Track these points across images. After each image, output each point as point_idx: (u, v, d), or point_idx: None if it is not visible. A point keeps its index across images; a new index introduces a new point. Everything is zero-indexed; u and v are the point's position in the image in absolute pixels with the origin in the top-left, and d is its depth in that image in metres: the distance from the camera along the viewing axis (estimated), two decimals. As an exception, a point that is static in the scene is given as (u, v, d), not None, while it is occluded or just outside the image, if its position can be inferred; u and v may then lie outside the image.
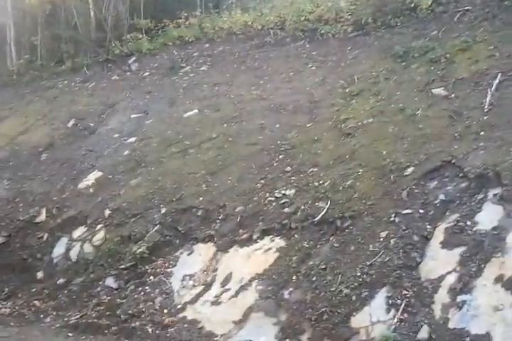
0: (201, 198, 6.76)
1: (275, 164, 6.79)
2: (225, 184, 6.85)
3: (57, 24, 14.36)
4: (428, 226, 4.85)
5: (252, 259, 5.55)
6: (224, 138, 7.85)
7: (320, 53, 9.47)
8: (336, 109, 7.47)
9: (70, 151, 9.41)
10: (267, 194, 6.29)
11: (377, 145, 6.22)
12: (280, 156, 6.90)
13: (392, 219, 5.07)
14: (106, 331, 5.49)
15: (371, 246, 4.86)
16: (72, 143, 9.72)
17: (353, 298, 4.44)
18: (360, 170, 5.93)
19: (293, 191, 6.15)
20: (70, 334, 5.60)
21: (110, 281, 6.42)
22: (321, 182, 6.06)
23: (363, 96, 7.53)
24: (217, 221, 6.36)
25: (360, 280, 4.56)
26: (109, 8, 13.08)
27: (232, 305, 5.10)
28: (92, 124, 10.07)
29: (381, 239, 4.89)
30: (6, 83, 13.45)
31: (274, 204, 6.10)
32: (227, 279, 5.49)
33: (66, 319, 6.07)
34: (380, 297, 4.35)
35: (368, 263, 4.66)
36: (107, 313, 5.80)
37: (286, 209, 5.91)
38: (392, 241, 4.80)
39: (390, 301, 4.26)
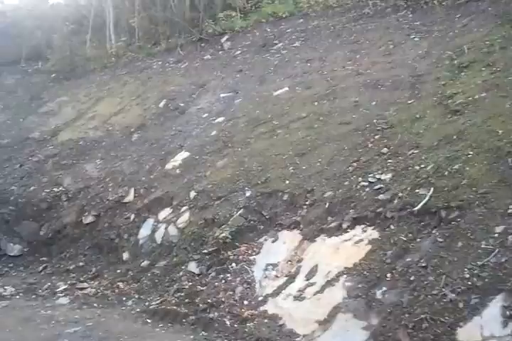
0: (288, 181, 6.26)
1: (370, 145, 6.10)
2: (313, 167, 6.28)
3: (153, 6, 14.42)
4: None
5: (340, 251, 4.96)
6: (314, 118, 7.25)
7: (424, 23, 8.52)
8: (442, 83, 6.58)
9: (160, 132, 9.32)
10: (360, 178, 5.64)
11: (491, 124, 5.30)
12: (376, 136, 6.19)
13: (509, 211, 4.22)
14: (184, 320, 5.20)
15: (483, 242, 4.06)
16: (163, 123, 9.64)
17: (460, 305, 3.71)
18: (470, 153, 5.06)
19: (389, 175, 5.44)
20: (149, 321, 5.39)
21: (192, 266, 6.15)
22: (422, 165, 5.28)
23: (473, 68, 6.56)
24: (304, 207, 5.84)
25: (469, 283, 3.80)
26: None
27: (316, 302, 4.57)
28: (182, 104, 9.92)
29: (496, 235, 4.08)
30: (105, 65, 13.72)
31: (367, 189, 5.44)
32: (312, 272, 4.96)
33: (147, 303, 5.89)
34: (495, 306, 3.58)
35: (480, 263, 3.89)
36: (186, 300, 5.53)
37: (381, 196, 5.22)
38: (509, 238, 3.98)
39: (508, 312, 3.48)
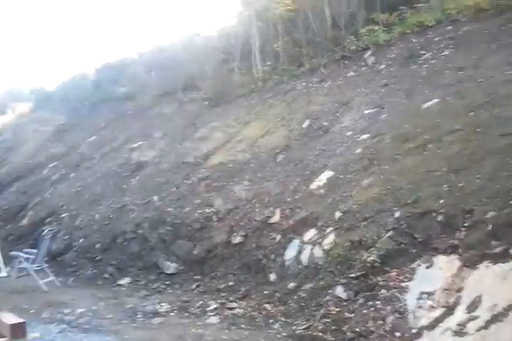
0: (442, 201, 5.71)
1: (539, 158, 5.34)
2: (472, 184, 5.66)
3: (295, 29, 14.68)
4: None
5: (508, 281, 4.32)
6: (470, 129, 6.60)
7: None
8: None
9: (304, 152, 9.28)
10: (529, 196, 4.93)
11: None
12: (547, 148, 5.40)
13: None
14: (330, 348, 4.95)
15: None
16: (307, 143, 9.59)
17: None
18: None
19: None
20: (295, 347, 5.22)
21: (339, 291, 5.88)
22: None
23: None
24: (463, 229, 5.25)
25: None
26: (343, 5, 12.80)
27: (480, 339, 4.00)
28: (325, 123, 9.80)
29: None
30: (252, 90, 14.20)
31: (538, 209, 4.73)
32: (474, 303, 4.37)
33: (293, 327, 5.74)
34: None
35: None
36: (333, 327, 5.26)
37: (558, 217, 4.49)
38: None
39: None
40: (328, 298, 5.90)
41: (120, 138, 15.36)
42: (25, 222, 12.95)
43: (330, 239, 6.68)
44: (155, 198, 10.50)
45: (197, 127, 13.38)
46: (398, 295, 5.15)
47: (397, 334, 4.69)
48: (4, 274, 10.01)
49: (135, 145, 14.10)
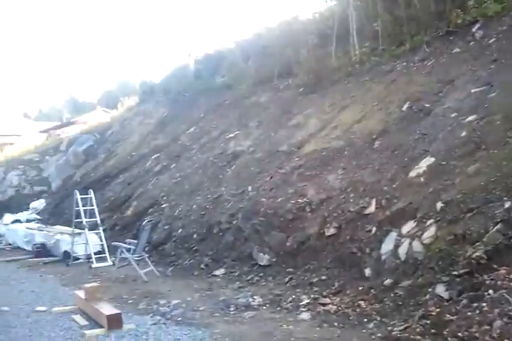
0: (562, 190, 4.94)
1: None
2: None
3: (396, 6, 13.76)
4: None
5: None
6: None
7: None
8: None
9: (402, 136, 8.64)
10: None
11: None
12: None
13: None
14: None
15: None
16: (406, 127, 8.92)
17: None
18: None
19: None
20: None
21: (440, 289, 5.34)
22: None
23: None
24: None
25: None
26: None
27: None
28: (427, 105, 9.03)
29: None
30: (349, 73, 13.58)
31: None
32: None
33: (389, 328, 5.31)
34: None
35: None
36: (433, 330, 4.77)
37: None
38: None
39: None
40: (427, 297, 5.40)
41: (218, 128, 15.54)
42: (129, 212, 13.57)
43: (430, 232, 6.12)
44: (249, 188, 10.44)
45: (292, 114, 13.10)
46: (507, 296, 4.53)
47: (506, 342, 4.11)
48: (110, 263, 10.54)
49: (231, 135, 14.17)
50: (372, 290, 6.26)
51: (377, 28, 13.80)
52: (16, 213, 18.92)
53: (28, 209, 19.69)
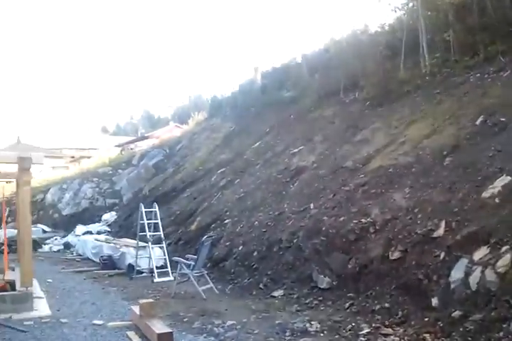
0: None
1: None
2: None
3: (468, 15, 13.07)
4: None
5: None
6: None
7: None
8: None
9: (475, 153, 8.03)
10: None
11: None
12: None
13: None
14: None
15: None
16: (479, 143, 8.31)
17: None
18: None
19: None
20: None
21: (517, 327, 4.80)
22: None
23: None
24: None
25: None
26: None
27: None
28: (503, 119, 8.38)
29: None
30: (418, 86, 13.01)
31: None
32: None
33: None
34: None
35: None
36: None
37: None
38: None
39: None
40: (501, 334, 4.87)
41: (282, 143, 15.37)
42: (193, 227, 13.63)
43: (506, 259, 5.56)
44: (311, 205, 10.13)
45: (358, 129, 12.69)
46: None
47: None
48: (171, 278, 10.55)
49: (295, 150, 13.94)
50: (439, 323, 5.76)
51: (448, 38, 13.18)
52: (88, 224, 19.64)
53: (100, 221, 20.40)
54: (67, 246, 17.98)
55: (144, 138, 37.56)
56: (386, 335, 5.98)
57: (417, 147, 9.63)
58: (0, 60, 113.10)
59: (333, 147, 12.55)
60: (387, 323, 6.30)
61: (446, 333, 5.51)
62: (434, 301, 6.14)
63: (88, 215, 21.69)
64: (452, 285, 6.05)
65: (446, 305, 5.94)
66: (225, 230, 12.00)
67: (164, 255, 11.80)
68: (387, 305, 6.70)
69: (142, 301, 6.98)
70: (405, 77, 13.67)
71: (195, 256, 9.48)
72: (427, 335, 5.65)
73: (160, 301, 8.57)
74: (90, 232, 18.18)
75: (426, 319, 5.97)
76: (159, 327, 6.19)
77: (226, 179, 15.57)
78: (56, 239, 19.23)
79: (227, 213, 12.89)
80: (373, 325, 6.34)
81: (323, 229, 8.96)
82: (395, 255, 7.24)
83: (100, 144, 44.99)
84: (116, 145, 39.41)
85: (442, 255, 6.52)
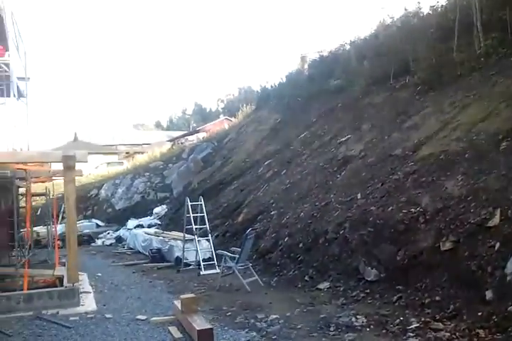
0: None
1: None
2: None
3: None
4: None
5: None
6: None
7: None
8: None
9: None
10: None
11: None
12: None
13: None
14: None
15: None
16: (539, 126, 7.70)
17: None
18: None
19: None
20: None
21: None
22: None
23: None
24: None
25: None
26: None
27: None
28: None
29: None
30: (472, 68, 12.29)
31: None
32: None
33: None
34: None
35: None
36: None
37: None
38: None
39: None
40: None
41: (329, 132, 15.00)
42: (239, 219, 13.52)
43: None
44: (358, 195, 9.77)
45: (408, 115, 12.16)
46: None
47: None
48: (218, 271, 10.48)
49: (343, 139, 13.56)
50: (493, 317, 5.35)
51: (504, 17, 12.36)
52: (140, 218, 19.98)
53: (151, 214, 20.71)
54: (119, 239, 18.37)
55: (194, 132, 37.95)
56: (436, 330, 5.62)
57: (470, 132, 9.07)
58: (58, 59, 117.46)
59: (382, 135, 12.08)
60: (437, 317, 5.93)
61: (502, 328, 5.11)
62: (489, 294, 5.72)
63: (140, 209, 22.09)
64: (508, 278, 5.61)
65: (501, 298, 5.51)
66: (271, 222, 11.81)
67: (210, 247, 11.76)
68: (437, 298, 6.32)
69: (183, 296, 6.89)
70: (459, 59, 12.93)
71: (239, 249, 9.35)
72: (480, 330, 5.26)
73: (204, 295, 8.50)
74: (141, 226, 18.48)
75: (479, 313, 5.56)
76: (199, 323, 6.08)
77: (273, 170, 15.37)
78: (109, 233, 19.70)
79: (273, 204, 12.70)
80: (423, 319, 5.99)
81: (371, 219, 8.61)
82: (447, 246, 6.82)
83: (153, 139, 45.89)
84: (168, 140, 40.04)
85: (497, 245, 6.07)
